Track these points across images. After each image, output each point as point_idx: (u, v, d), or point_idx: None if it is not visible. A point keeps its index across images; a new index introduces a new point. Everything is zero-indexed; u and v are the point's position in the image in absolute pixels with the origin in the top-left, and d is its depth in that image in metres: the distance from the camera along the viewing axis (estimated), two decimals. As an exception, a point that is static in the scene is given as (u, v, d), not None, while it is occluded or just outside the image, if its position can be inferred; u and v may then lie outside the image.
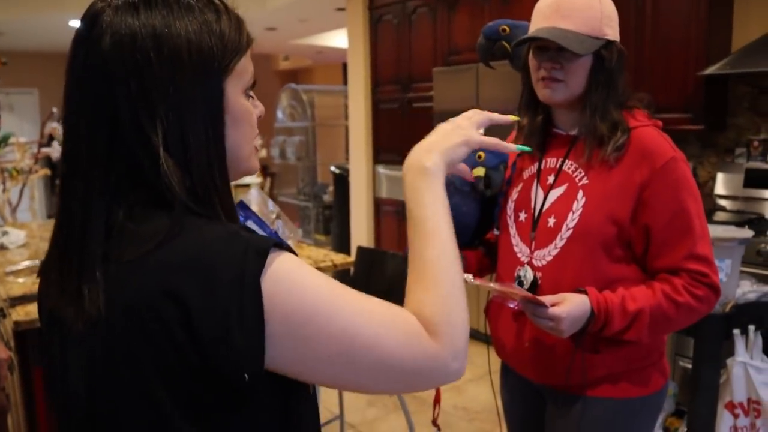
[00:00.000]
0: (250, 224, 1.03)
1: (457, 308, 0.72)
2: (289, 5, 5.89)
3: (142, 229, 0.66)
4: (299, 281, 0.66)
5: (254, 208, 1.10)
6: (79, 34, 0.70)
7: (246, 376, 0.63)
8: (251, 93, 0.77)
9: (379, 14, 4.87)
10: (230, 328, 0.62)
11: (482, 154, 1.36)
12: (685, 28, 3.07)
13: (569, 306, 1.20)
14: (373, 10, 4.91)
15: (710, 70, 2.93)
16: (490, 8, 3.88)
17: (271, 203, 1.11)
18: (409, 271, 0.76)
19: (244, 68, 0.74)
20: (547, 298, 1.21)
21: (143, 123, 0.67)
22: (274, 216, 1.12)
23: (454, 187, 1.42)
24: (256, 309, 0.63)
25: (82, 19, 0.70)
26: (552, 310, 1.19)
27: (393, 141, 4.87)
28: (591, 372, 1.32)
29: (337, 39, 7.79)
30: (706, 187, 3.37)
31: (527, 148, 1.10)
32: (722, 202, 3.29)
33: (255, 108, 0.78)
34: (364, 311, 0.68)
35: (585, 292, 1.24)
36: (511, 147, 1.01)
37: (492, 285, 1.26)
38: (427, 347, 0.69)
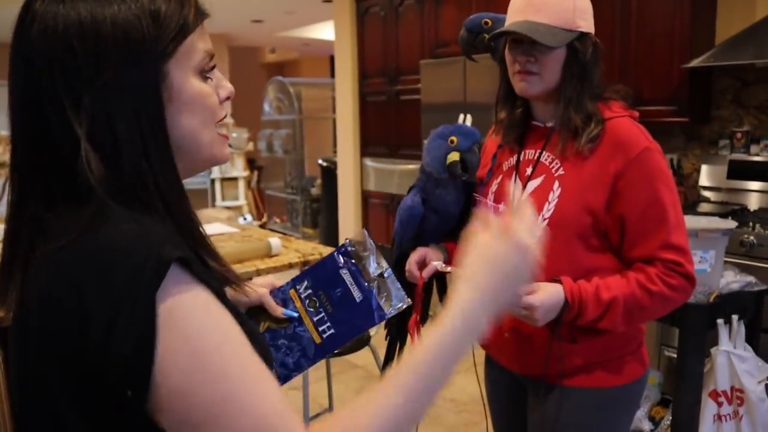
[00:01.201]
0: (344, 273, 1.01)
1: None
2: (276, -3, 5.86)
3: (63, 224, 0.64)
4: (192, 326, 0.60)
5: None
6: (16, 23, 0.67)
7: (129, 391, 0.59)
8: (210, 74, 0.72)
9: (366, 6, 4.85)
10: (115, 331, 0.58)
11: (454, 138, 1.38)
12: (670, 22, 3.09)
13: (543, 295, 1.22)
14: (360, 2, 4.90)
15: (694, 62, 2.96)
16: (477, 1, 3.89)
17: (369, 242, 1.02)
18: (385, 377, 0.68)
19: (192, 48, 0.69)
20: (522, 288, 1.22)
21: (68, 114, 0.63)
22: (375, 272, 1.01)
23: (434, 179, 1.42)
24: (148, 321, 0.58)
25: (21, 9, 0.68)
26: (526, 299, 1.20)
27: (381, 133, 4.87)
28: (569, 361, 1.33)
29: (324, 31, 7.77)
30: (690, 179, 3.40)
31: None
32: (706, 194, 3.33)
33: (221, 89, 0.74)
34: (258, 393, 0.61)
35: (560, 282, 1.25)
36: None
37: None
38: None
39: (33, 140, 0.66)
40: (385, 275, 1.01)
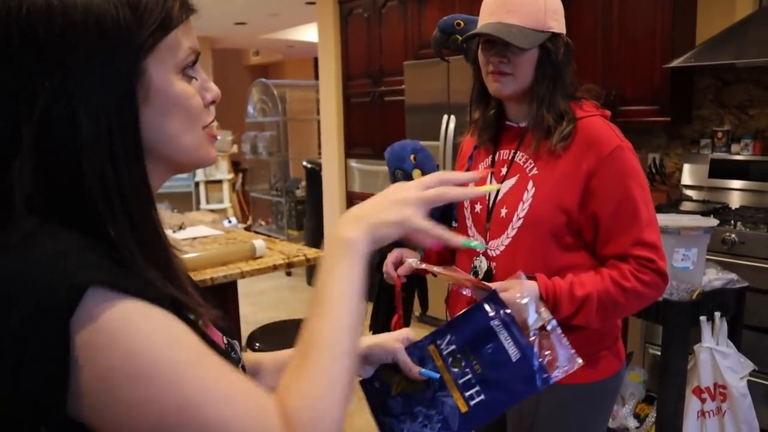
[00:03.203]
0: (496, 326, 0.83)
1: (331, 409, 0.60)
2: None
3: None
4: (130, 339, 0.54)
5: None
6: None
7: (43, 428, 0.54)
8: (195, 74, 0.66)
9: (349, 8, 4.85)
10: (23, 367, 0.52)
11: (414, 156, 1.39)
12: (651, 23, 3.13)
13: (517, 291, 1.22)
14: (343, 3, 4.89)
15: (675, 63, 2.99)
16: (460, 1, 3.90)
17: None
18: (295, 346, 0.65)
19: (175, 44, 0.63)
20: (496, 285, 1.23)
21: (18, 108, 0.56)
22: (535, 324, 0.84)
23: None
24: (58, 354, 0.52)
25: None
26: (501, 296, 1.20)
27: (365, 135, 4.87)
28: None
29: (308, 33, 7.75)
30: (673, 178, 3.44)
31: (475, 244, 0.84)
32: (689, 192, 3.36)
33: (206, 91, 0.67)
34: (217, 389, 0.56)
35: (535, 279, 1.27)
36: (456, 242, 0.76)
37: (437, 269, 1.27)
38: None
39: None
40: (548, 328, 0.84)
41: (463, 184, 0.74)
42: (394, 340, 0.88)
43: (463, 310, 0.89)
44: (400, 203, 0.70)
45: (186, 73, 0.65)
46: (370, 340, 0.87)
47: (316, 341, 0.63)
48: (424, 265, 1.25)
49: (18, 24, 0.56)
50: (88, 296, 0.53)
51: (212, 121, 0.70)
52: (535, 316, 0.87)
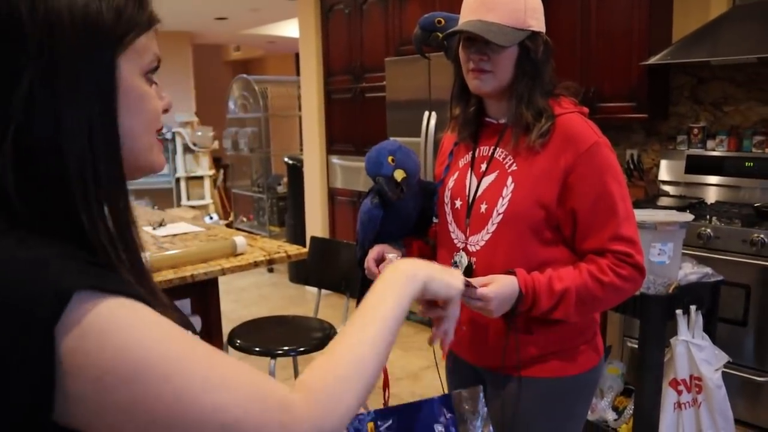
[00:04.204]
0: (438, 430, 0.86)
1: (340, 401, 0.62)
2: (239, -6, 5.81)
3: None
4: (120, 337, 0.54)
5: None
6: None
7: None
8: (154, 79, 0.68)
9: (330, 4, 4.84)
10: (8, 381, 0.51)
11: (392, 157, 1.38)
12: (628, 20, 3.16)
13: (497, 286, 1.25)
14: (324, -1, 4.89)
15: (652, 60, 3.03)
16: (440, -1, 3.92)
17: (482, 404, 0.90)
18: (332, 341, 0.70)
19: (145, 47, 0.64)
20: (476, 280, 1.25)
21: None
22: None
23: (385, 195, 1.42)
24: (44, 363, 0.51)
25: None
26: (481, 290, 1.23)
27: (346, 131, 4.86)
28: (525, 352, 1.37)
29: (289, 29, 7.72)
30: (650, 174, 3.48)
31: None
32: (666, 188, 3.41)
33: (161, 99, 0.68)
34: (212, 377, 0.57)
35: (514, 273, 1.29)
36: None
37: None
38: (283, 418, 0.58)
39: None
40: None
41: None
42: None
43: (414, 401, 0.94)
44: (455, 278, 0.88)
45: (148, 77, 0.66)
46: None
47: (355, 338, 0.68)
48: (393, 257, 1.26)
49: (3, 4, 0.56)
50: (72, 302, 0.53)
51: (161, 129, 0.71)
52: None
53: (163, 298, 0.68)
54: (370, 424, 0.90)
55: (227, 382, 0.57)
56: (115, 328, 0.54)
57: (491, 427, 0.91)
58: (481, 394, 0.91)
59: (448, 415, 0.89)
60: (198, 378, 0.56)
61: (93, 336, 0.53)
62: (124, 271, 0.61)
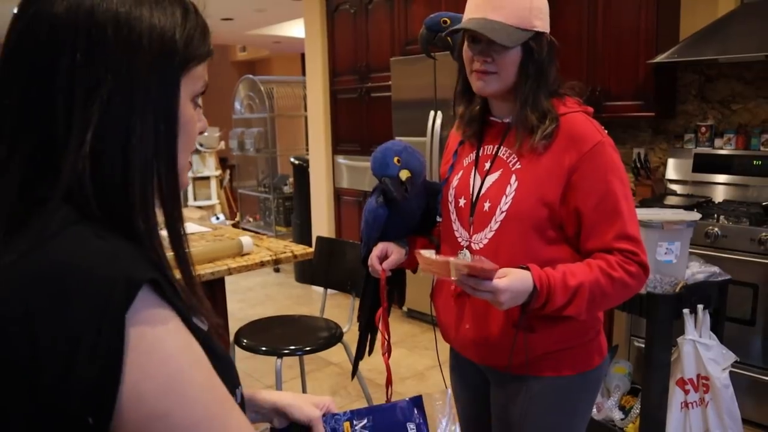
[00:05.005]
0: (411, 428, 0.93)
1: None
2: (245, -5, 5.82)
3: (32, 227, 0.59)
4: (167, 348, 0.59)
5: None
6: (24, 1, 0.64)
7: (90, 419, 0.55)
8: (199, 103, 0.73)
9: (335, 4, 4.84)
10: (78, 357, 0.54)
11: (398, 158, 1.39)
12: (635, 19, 3.15)
13: (510, 280, 1.22)
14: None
15: (659, 58, 3.02)
16: (446, -2, 3.91)
17: (450, 407, 0.92)
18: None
19: (200, 75, 0.70)
20: (496, 270, 1.21)
21: (75, 102, 0.60)
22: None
23: (391, 194, 1.43)
24: (116, 341, 0.55)
25: None
26: (494, 283, 1.20)
27: (352, 131, 4.87)
28: (529, 351, 1.36)
29: (295, 29, 7.73)
30: (657, 173, 3.47)
31: None
32: (673, 187, 3.40)
33: (199, 121, 0.73)
34: (221, 415, 0.62)
35: (527, 269, 1.27)
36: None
37: (438, 257, 1.27)
38: None
39: (24, 126, 0.61)
40: None
41: None
42: (314, 405, 0.94)
43: (390, 402, 0.98)
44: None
45: (195, 101, 0.71)
46: (292, 398, 0.93)
47: None
48: (425, 252, 1.25)
49: (88, 17, 0.61)
50: (142, 293, 0.57)
51: (194, 150, 0.76)
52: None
53: (207, 305, 0.73)
54: (346, 424, 0.95)
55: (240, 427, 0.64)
56: (165, 339, 0.59)
57: (457, 426, 0.95)
58: (449, 396, 0.94)
59: (420, 415, 0.94)
60: (223, 414, 0.62)
61: (148, 338, 0.57)
62: (173, 277, 0.65)
